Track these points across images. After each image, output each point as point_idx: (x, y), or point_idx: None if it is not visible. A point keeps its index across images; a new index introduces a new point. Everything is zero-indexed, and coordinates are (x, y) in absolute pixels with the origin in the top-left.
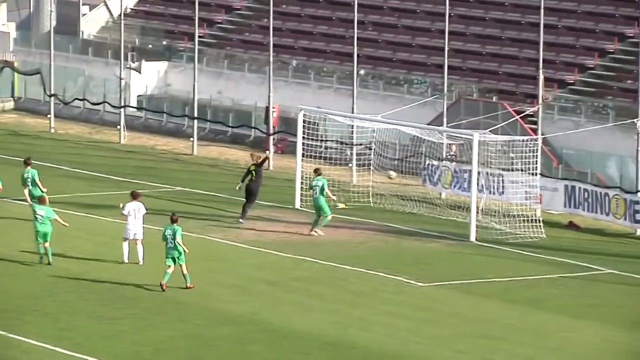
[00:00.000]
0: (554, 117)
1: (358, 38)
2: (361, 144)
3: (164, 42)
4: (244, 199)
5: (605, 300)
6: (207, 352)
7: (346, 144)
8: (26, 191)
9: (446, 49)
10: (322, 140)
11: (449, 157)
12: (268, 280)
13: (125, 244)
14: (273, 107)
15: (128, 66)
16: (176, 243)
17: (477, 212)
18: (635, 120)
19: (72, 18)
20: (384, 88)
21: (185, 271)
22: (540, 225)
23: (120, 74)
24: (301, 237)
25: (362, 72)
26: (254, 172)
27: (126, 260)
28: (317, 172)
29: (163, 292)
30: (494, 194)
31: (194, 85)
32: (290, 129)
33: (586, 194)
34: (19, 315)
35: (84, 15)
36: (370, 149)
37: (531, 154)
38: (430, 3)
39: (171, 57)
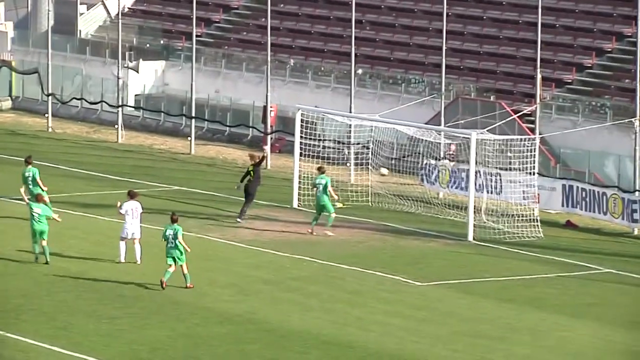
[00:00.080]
0: (551, 116)
1: (356, 37)
2: (359, 144)
3: (162, 42)
4: (244, 199)
5: (603, 300)
6: (205, 352)
7: (344, 144)
8: (22, 190)
9: (444, 48)
10: (319, 140)
11: (447, 156)
12: (266, 279)
13: (122, 244)
14: (271, 107)
15: (126, 65)
16: (177, 243)
17: (481, 213)
18: (633, 119)
19: (69, 17)
20: (382, 87)
21: (185, 271)
22: (538, 225)
23: (118, 73)
24: (299, 236)
25: (359, 71)
26: (252, 172)
27: (122, 260)
28: (320, 170)
29: (163, 289)
30: (491, 193)
31: (191, 84)
32: (288, 128)
33: (584, 193)
34: (16, 314)
35: (81, 14)
36: (368, 148)
37: (529, 154)
38: (427, 2)
39: (169, 57)
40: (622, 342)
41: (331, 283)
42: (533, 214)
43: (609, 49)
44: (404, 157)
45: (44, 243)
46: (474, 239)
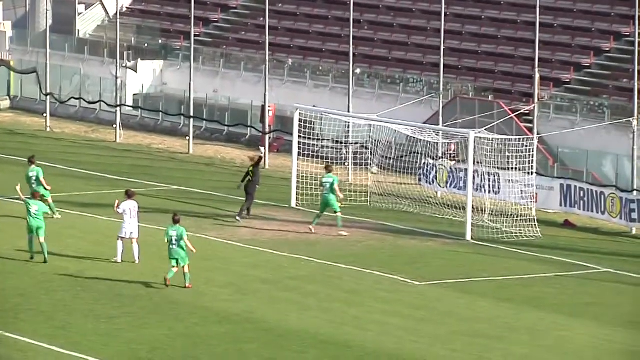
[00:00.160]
0: (549, 116)
1: (354, 37)
2: (357, 143)
3: (160, 41)
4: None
5: (601, 299)
6: (203, 351)
7: (342, 143)
8: (18, 187)
9: (442, 47)
10: (318, 139)
11: (448, 156)
12: (264, 279)
13: (119, 243)
14: (269, 106)
15: (124, 65)
16: (180, 244)
17: (484, 213)
18: (630, 119)
19: (68, 17)
20: (380, 87)
21: (186, 270)
22: (536, 224)
23: (116, 73)
24: (297, 235)
25: (358, 71)
26: (251, 172)
27: (119, 260)
28: (328, 169)
29: (166, 287)
30: (490, 193)
31: (190, 84)
32: (286, 128)
33: (582, 192)
34: (14, 313)
35: (80, 14)
36: (366, 148)
37: (527, 153)
38: (426, 2)
39: (167, 56)
40: (621, 342)
41: (329, 282)
42: (531, 213)
43: (607, 49)
44: (402, 156)
45: (42, 239)
46: (472, 238)
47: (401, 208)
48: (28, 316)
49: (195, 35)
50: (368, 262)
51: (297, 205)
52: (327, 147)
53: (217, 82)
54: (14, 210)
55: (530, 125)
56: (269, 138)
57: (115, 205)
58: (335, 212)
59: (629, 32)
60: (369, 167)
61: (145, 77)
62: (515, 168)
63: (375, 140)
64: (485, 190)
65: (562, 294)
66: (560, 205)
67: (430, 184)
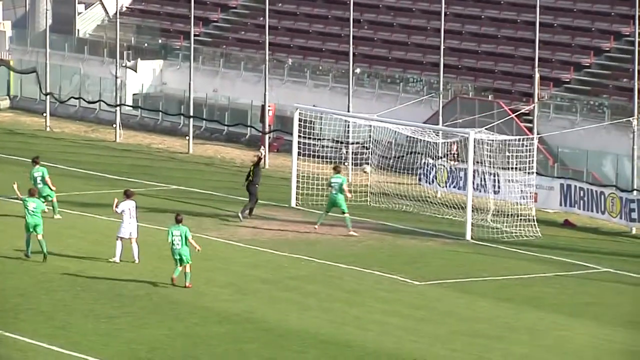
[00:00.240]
0: (549, 115)
1: (354, 37)
2: (357, 143)
3: (160, 41)
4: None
5: (601, 299)
6: (203, 351)
7: (342, 143)
8: (15, 186)
9: (442, 47)
10: (318, 139)
11: (450, 156)
12: (264, 278)
13: (119, 243)
14: (269, 106)
15: (124, 65)
16: (184, 244)
17: (488, 214)
18: (630, 118)
19: (67, 17)
20: (380, 87)
21: (188, 270)
22: (535, 224)
23: (116, 73)
24: (297, 235)
25: (357, 70)
26: (252, 172)
27: (117, 260)
28: (336, 169)
29: (173, 285)
30: (489, 192)
31: (189, 83)
32: (286, 127)
33: (582, 192)
34: (14, 313)
35: (79, 13)
36: (366, 147)
37: (527, 153)
38: (426, 2)
39: (167, 56)
40: (620, 342)
41: (329, 282)
42: (531, 213)
43: (607, 49)
44: (402, 156)
45: (40, 237)
46: (472, 238)
47: (401, 208)
48: (28, 316)
49: (195, 35)
50: (368, 261)
51: (297, 205)
52: (327, 146)
53: (216, 81)
54: (14, 209)
55: (530, 125)
56: (269, 138)
57: (114, 204)
58: (344, 213)
59: (629, 31)
60: (361, 166)
61: (145, 76)
62: (515, 168)
63: (375, 140)
64: (488, 191)
65: (561, 294)
66: (560, 205)
67: (430, 183)
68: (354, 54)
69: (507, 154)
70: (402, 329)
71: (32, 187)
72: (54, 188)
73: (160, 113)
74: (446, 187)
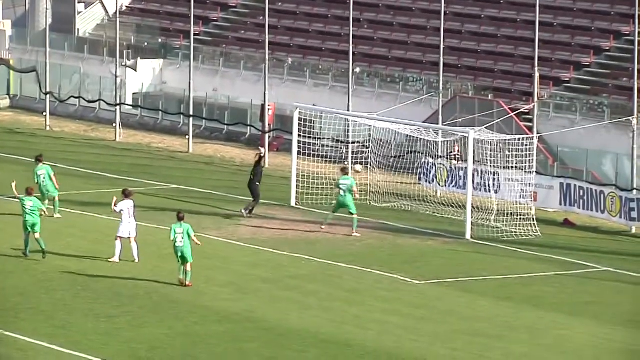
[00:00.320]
0: (549, 114)
1: (354, 36)
2: (357, 142)
3: (160, 40)
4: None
5: (600, 298)
6: (203, 350)
7: (342, 142)
8: (14, 184)
9: (442, 46)
10: (317, 138)
11: (453, 156)
12: (264, 278)
13: (118, 243)
14: (269, 105)
15: (124, 64)
16: (186, 241)
17: (492, 214)
18: (630, 117)
19: (67, 16)
20: (380, 86)
21: (188, 269)
22: (535, 223)
23: (116, 72)
24: (297, 234)
25: (357, 69)
26: (252, 171)
27: (117, 260)
28: (344, 171)
29: (183, 286)
30: (489, 192)
31: (189, 83)
32: (286, 126)
33: (582, 191)
34: (14, 313)
35: (79, 13)
36: (366, 147)
37: (527, 152)
38: (425, 1)
39: (167, 55)
40: (620, 341)
41: (329, 281)
42: (531, 212)
43: (607, 48)
44: (401, 155)
45: (37, 236)
46: (472, 237)
47: (401, 207)
48: (28, 315)
49: (194, 34)
50: (368, 261)
51: (297, 204)
52: (327, 146)
53: (216, 81)
54: (14, 209)
55: (530, 124)
56: (269, 137)
57: (113, 203)
58: (352, 214)
59: (629, 31)
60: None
61: (144, 76)
62: (515, 167)
63: (375, 140)
64: (490, 190)
65: (561, 293)
66: (560, 204)
67: (430, 182)
68: (353, 53)
69: (506, 153)
70: (402, 328)
71: (30, 186)
72: (57, 186)
73: (160, 112)
74: (446, 186)
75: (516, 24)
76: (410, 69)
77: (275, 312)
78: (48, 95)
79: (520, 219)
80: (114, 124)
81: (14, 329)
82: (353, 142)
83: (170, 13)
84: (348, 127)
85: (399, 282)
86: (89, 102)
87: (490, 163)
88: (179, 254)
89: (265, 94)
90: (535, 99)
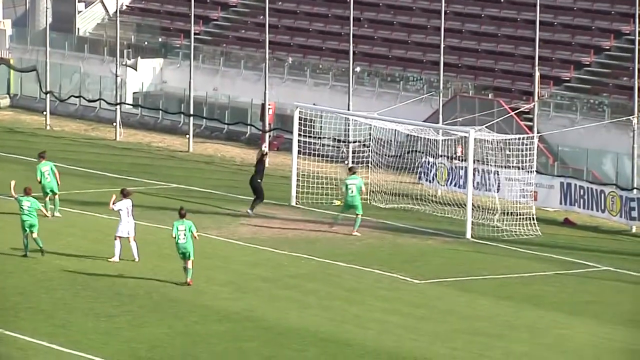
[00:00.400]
0: (549, 114)
1: (354, 35)
2: (357, 141)
3: (160, 39)
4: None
5: (601, 298)
6: (203, 350)
7: (342, 141)
8: (13, 183)
9: (442, 46)
10: (318, 138)
11: (456, 157)
12: (264, 277)
13: (117, 242)
14: (269, 104)
15: (124, 63)
16: (188, 239)
17: (496, 214)
18: (631, 117)
19: (67, 15)
20: (380, 85)
21: (190, 266)
22: (535, 223)
23: (116, 71)
24: (297, 234)
25: (357, 69)
26: (255, 168)
27: (117, 259)
28: (352, 170)
29: (189, 285)
30: (490, 191)
31: (189, 82)
32: (286, 126)
33: (582, 191)
34: (14, 312)
35: (79, 12)
36: (366, 146)
37: (527, 151)
38: (426, 0)
39: (167, 54)
40: (620, 340)
41: (329, 281)
42: (531, 211)
43: (607, 47)
44: (401, 155)
45: (35, 235)
46: (472, 236)
47: (401, 206)
48: (28, 314)
49: (195, 34)
50: (368, 260)
51: (297, 204)
52: (327, 145)
53: (217, 80)
54: (14, 208)
55: (530, 123)
56: (269, 136)
57: (111, 202)
58: (357, 214)
59: (629, 30)
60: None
61: (145, 75)
62: (516, 166)
63: (375, 139)
64: (494, 190)
65: (561, 292)
66: (560, 203)
67: (430, 182)
68: (354, 52)
69: (507, 152)
70: (402, 328)
71: (28, 186)
72: (59, 183)
73: (161, 111)
74: (446, 185)
75: (516, 23)
76: (411, 68)
77: (275, 311)
78: (48, 95)
79: (521, 218)
80: (114, 123)
81: (14, 328)
82: (353, 142)
83: (170, 12)
84: (348, 126)
85: (399, 282)
86: (89, 101)
87: (491, 162)
88: (181, 251)
89: (265, 93)
90: (536, 98)
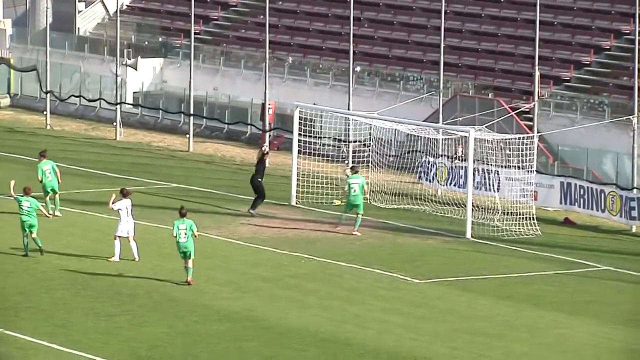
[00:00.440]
0: (549, 113)
1: (354, 35)
2: (357, 141)
3: (160, 39)
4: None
5: (601, 297)
6: (203, 349)
7: (342, 141)
8: (12, 183)
9: (442, 45)
10: (318, 137)
11: (458, 157)
12: (264, 277)
13: (117, 242)
14: (269, 104)
15: (124, 63)
16: (189, 238)
17: (497, 214)
18: (630, 117)
19: (68, 15)
20: (380, 85)
21: (190, 265)
22: (535, 222)
23: (117, 71)
24: (297, 233)
25: (358, 68)
26: (255, 167)
27: (117, 259)
28: (354, 169)
29: (189, 284)
30: (490, 190)
31: (190, 82)
32: (286, 125)
33: (582, 190)
34: (14, 312)
35: (80, 12)
36: (366, 145)
37: (527, 151)
38: (426, 0)
39: (167, 54)
40: (620, 340)
41: (329, 280)
42: (531, 211)
43: (607, 47)
44: (402, 154)
45: (34, 235)
46: (472, 236)
47: (401, 206)
48: (28, 314)
49: (195, 33)
50: (368, 260)
51: (297, 203)
52: (328, 145)
53: (217, 80)
54: (14, 207)
55: (531, 123)
56: (269, 136)
57: (111, 201)
58: (358, 214)
59: (629, 29)
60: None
61: (145, 75)
62: (516, 166)
63: (375, 138)
64: (492, 190)
65: (561, 292)
66: (560, 203)
67: (430, 181)
68: (354, 52)
69: (507, 152)
70: (402, 327)
71: (27, 186)
72: (60, 182)
73: (161, 111)
74: (446, 185)
75: (516, 23)
76: (411, 67)
77: (275, 311)
78: (48, 94)
79: (521, 218)
80: (115, 123)
81: (14, 328)
82: (353, 141)
83: (170, 12)
84: (348, 126)
85: (399, 281)
86: (90, 101)
87: (491, 162)
88: (182, 250)
89: (265, 93)
90: (536, 98)
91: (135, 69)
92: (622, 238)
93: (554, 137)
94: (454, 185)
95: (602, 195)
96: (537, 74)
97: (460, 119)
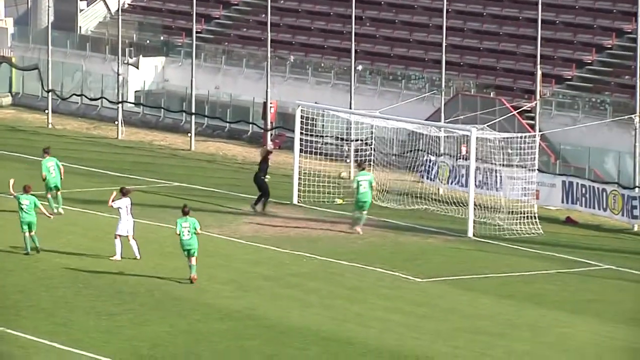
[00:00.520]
0: (551, 112)
1: (356, 34)
2: (359, 140)
3: (162, 38)
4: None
5: (602, 296)
6: (205, 348)
7: (344, 140)
8: (12, 182)
9: (444, 44)
10: (320, 136)
11: (462, 157)
12: (266, 275)
13: (117, 241)
14: (271, 103)
15: (126, 62)
16: (192, 235)
17: (498, 213)
18: (632, 115)
19: (69, 13)
20: (382, 83)
21: (194, 262)
22: (537, 221)
23: (118, 70)
24: (299, 232)
25: (359, 67)
26: (259, 166)
27: (119, 258)
28: (361, 166)
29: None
30: (492, 189)
31: (191, 80)
32: (288, 124)
33: (584, 189)
34: (15, 310)
35: (81, 10)
36: (368, 144)
37: (529, 150)
38: None
39: (169, 53)
40: (622, 339)
41: (331, 279)
42: (533, 210)
43: (609, 46)
44: (403, 153)
45: (32, 233)
46: (474, 235)
47: (403, 205)
48: (29, 313)
49: (197, 32)
50: (370, 259)
51: (299, 202)
52: (329, 144)
53: (218, 78)
54: (14, 206)
55: (532, 122)
56: (271, 135)
57: (111, 199)
58: (363, 212)
59: (631, 28)
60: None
61: (146, 73)
62: (517, 165)
63: (377, 137)
64: (494, 189)
65: (563, 291)
66: (562, 202)
67: (432, 180)
68: (356, 51)
69: (509, 151)
70: (404, 326)
71: (27, 184)
72: (62, 179)
73: (162, 110)
74: (448, 183)
75: (518, 22)
76: (413, 66)
77: (277, 310)
78: (50, 93)
79: (523, 216)
80: (116, 122)
81: (15, 327)
82: (355, 140)
83: (172, 10)
84: (350, 125)
85: (401, 280)
86: (91, 99)
87: (493, 161)
88: (186, 248)
89: (267, 91)
90: (538, 96)
91: (137, 68)
92: (624, 237)
93: (556, 136)
94: (456, 184)
95: (604, 194)
96: (539, 72)
97: (462, 117)
